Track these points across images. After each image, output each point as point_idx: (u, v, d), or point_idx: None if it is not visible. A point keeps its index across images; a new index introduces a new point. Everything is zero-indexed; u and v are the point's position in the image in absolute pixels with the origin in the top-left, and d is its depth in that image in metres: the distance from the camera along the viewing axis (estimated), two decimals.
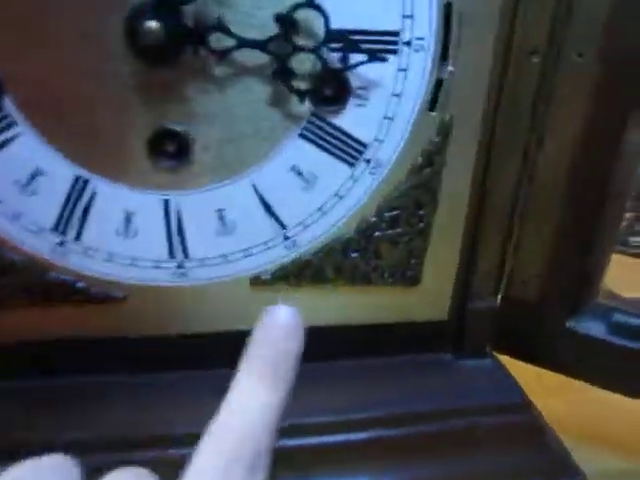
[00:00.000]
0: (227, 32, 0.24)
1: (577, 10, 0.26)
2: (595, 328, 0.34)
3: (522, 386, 0.36)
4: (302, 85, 0.26)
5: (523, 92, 0.28)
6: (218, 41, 0.25)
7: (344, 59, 0.25)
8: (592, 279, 0.33)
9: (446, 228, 0.31)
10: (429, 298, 0.33)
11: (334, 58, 0.26)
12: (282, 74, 0.25)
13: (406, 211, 0.30)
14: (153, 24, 0.23)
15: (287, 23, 0.24)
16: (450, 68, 0.26)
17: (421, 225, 0.30)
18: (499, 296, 0.33)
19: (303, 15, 0.25)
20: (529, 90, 0.28)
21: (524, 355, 0.35)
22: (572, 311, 0.33)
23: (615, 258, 0.63)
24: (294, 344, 0.18)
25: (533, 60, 0.27)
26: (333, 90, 0.27)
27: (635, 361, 0.33)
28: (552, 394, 0.36)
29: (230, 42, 0.24)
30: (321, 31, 0.25)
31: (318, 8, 0.24)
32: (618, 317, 0.34)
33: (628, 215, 0.69)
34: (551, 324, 0.34)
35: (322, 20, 0.25)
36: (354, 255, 0.31)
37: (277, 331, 0.18)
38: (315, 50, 0.25)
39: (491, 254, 0.32)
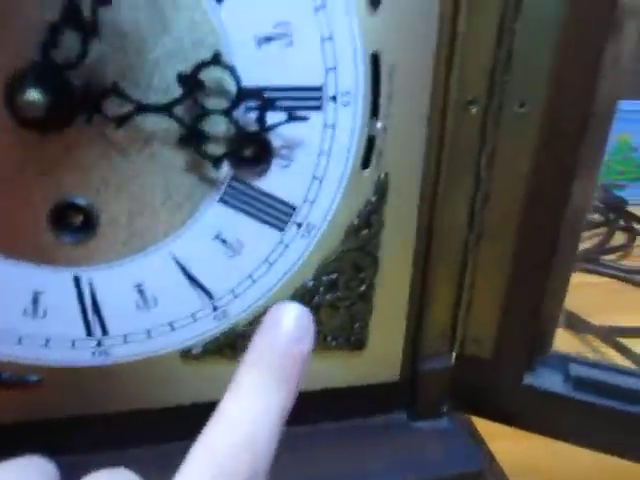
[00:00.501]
0: (124, 97, 0.21)
1: (518, 56, 0.24)
2: (553, 382, 0.32)
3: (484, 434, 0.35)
4: (217, 149, 0.23)
5: (464, 145, 0.25)
6: (116, 104, 0.22)
7: (261, 120, 0.23)
8: (547, 330, 0.31)
9: (390, 289, 0.28)
10: (378, 360, 0.31)
11: (250, 118, 0.23)
12: (191, 139, 0.23)
13: (345, 275, 0.27)
14: (33, 95, 0.20)
15: (192, 84, 0.22)
16: (379, 125, 0.24)
17: (362, 288, 0.28)
18: (453, 354, 0.31)
19: (212, 73, 0.22)
20: (470, 143, 0.25)
21: (482, 412, 0.33)
22: (529, 365, 0.31)
23: (587, 279, 0.62)
24: (303, 347, 0.16)
25: (472, 111, 0.25)
26: (253, 152, 0.24)
27: (595, 414, 0.31)
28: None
29: (130, 106, 0.22)
30: (232, 88, 0.22)
31: (226, 66, 0.22)
32: (576, 369, 0.32)
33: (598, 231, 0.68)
34: (508, 380, 0.32)
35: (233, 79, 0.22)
36: None
37: (284, 335, 0.16)
38: (227, 112, 0.22)
39: (441, 313, 0.29)
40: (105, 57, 0.21)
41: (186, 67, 0.22)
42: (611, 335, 0.51)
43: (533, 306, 0.29)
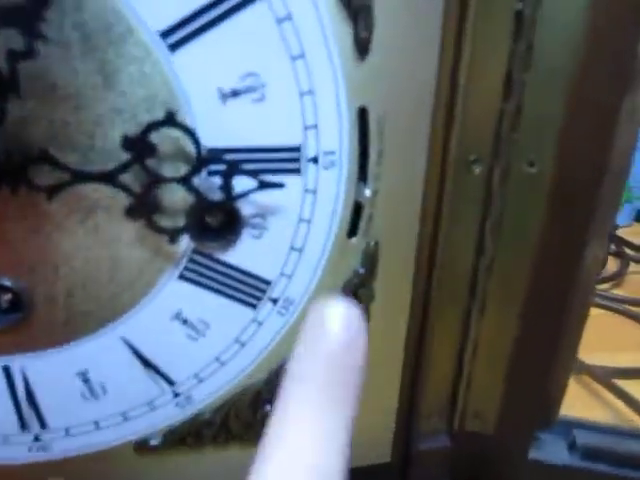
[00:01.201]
0: (56, 164, 0.17)
1: (527, 110, 0.21)
2: (559, 452, 0.29)
3: None
4: (173, 221, 0.19)
5: (466, 210, 0.22)
6: (48, 172, 0.18)
7: (227, 187, 0.19)
8: (554, 400, 0.28)
9: (381, 366, 0.25)
10: (367, 441, 0.27)
11: (214, 184, 0.19)
12: (141, 211, 0.19)
13: None
14: None
15: (141, 148, 0.18)
16: (367, 192, 0.20)
17: None
18: (451, 432, 0.27)
19: (166, 134, 0.18)
20: (472, 207, 0.22)
21: None
22: (533, 438, 0.28)
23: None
24: (355, 354, 0.13)
25: (475, 171, 0.21)
26: (218, 222, 0.20)
27: None
28: None
29: (64, 174, 0.18)
30: (192, 152, 0.19)
31: (183, 127, 0.18)
32: (582, 437, 0.29)
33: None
34: (512, 456, 0.28)
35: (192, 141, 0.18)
36: (267, 407, 0.24)
37: (332, 344, 0.12)
38: (185, 180, 0.19)
39: (439, 389, 0.26)
40: (31, 116, 0.17)
41: (134, 128, 0.18)
42: (608, 377, 0.48)
43: (540, 376, 0.26)
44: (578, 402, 0.44)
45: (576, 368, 0.49)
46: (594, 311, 0.57)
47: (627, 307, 0.58)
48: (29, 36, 0.15)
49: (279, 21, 0.18)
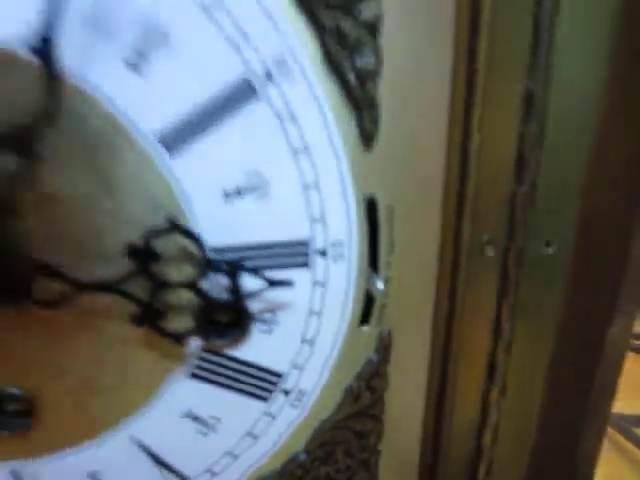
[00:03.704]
0: (61, 277, 0.17)
1: (542, 189, 0.20)
2: None
3: None
4: (179, 324, 0.19)
5: (480, 293, 0.21)
6: (51, 285, 0.18)
7: (234, 288, 0.18)
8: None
9: (397, 455, 0.24)
10: None
11: (221, 285, 0.19)
12: (146, 319, 0.18)
13: (345, 444, 0.23)
14: None
15: (145, 256, 0.17)
16: (380, 285, 0.20)
17: (365, 455, 0.23)
18: None
19: (170, 240, 0.18)
20: (487, 290, 0.21)
21: None
22: None
23: None
24: None
25: (489, 253, 0.21)
26: (226, 319, 0.20)
27: None
28: None
29: (67, 285, 0.18)
30: (197, 256, 0.18)
31: (187, 232, 0.18)
32: None
33: None
34: None
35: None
36: None
37: None
38: (191, 285, 0.18)
39: (457, 473, 0.25)
40: (31, 228, 0.17)
41: (136, 233, 0.18)
42: (625, 424, 0.46)
43: (566, 457, 0.25)
44: None
45: None
46: None
47: None
48: (26, 159, 0.15)
49: (280, 117, 0.17)
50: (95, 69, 0.15)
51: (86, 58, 0.15)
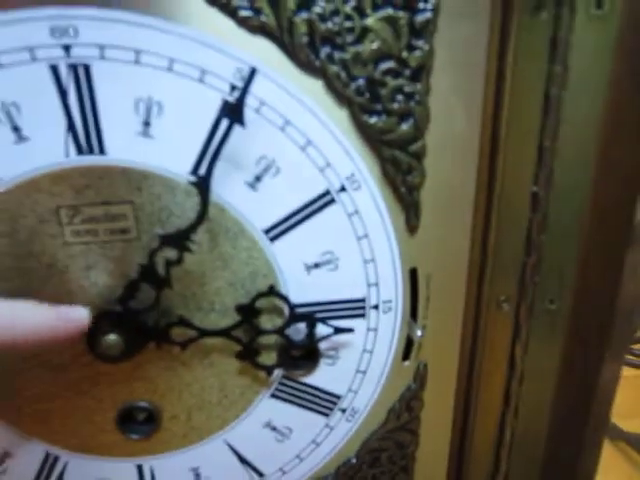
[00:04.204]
0: (190, 326, 0.24)
1: (546, 260, 0.26)
2: None
3: None
4: (269, 359, 0.25)
5: (497, 337, 0.27)
6: (182, 331, 0.24)
7: (310, 334, 0.25)
8: None
9: (430, 459, 0.30)
10: None
11: (300, 332, 0.25)
12: (246, 355, 0.25)
13: (387, 451, 0.29)
14: (113, 338, 0.22)
15: (249, 312, 0.24)
16: (419, 333, 0.26)
17: (404, 462, 0.29)
18: None
19: (266, 300, 0.24)
20: (503, 335, 0.27)
21: None
22: None
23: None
24: None
25: (504, 308, 0.26)
26: (302, 357, 0.26)
27: None
28: None
29: (194, 332, 0.24)
30: (285, 311, 0.25)
31: (280, 295, 0.24)
32: None
33: None
34: None
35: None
36: None
37: None
38: (279, 331, 0.24)
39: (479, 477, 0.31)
40: (173, 296, 0.24)
41: (243, 294, 0.24)
42: None
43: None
44: (614, 471, 0.46)
45: (613, 435, 0.50)
46: (630, 372, 0.59)
47: None
48: (180, 250, 0.22)
49: (349, 215, 0.24)
50: (226, 188, 0.22)
51: (222, 182, 0.21)
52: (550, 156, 0.24)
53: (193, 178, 0.21)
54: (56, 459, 0.27)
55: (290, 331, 0.25)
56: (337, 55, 0.21)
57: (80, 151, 0.21)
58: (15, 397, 0.24)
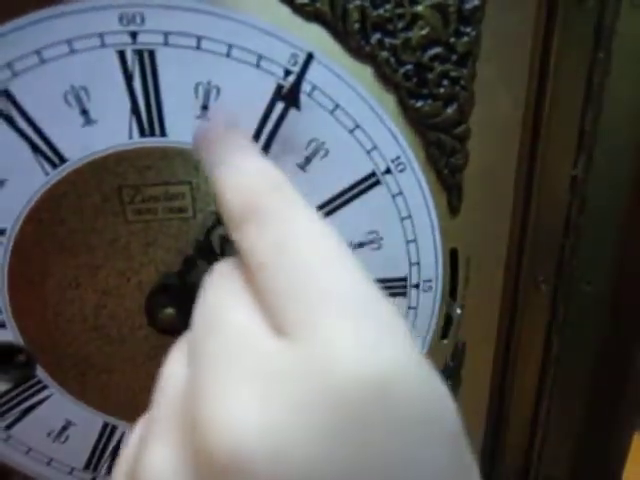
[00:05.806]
0: None
1: (585, 237, 0.26)
2: None
3: None
4: None
5: (534, 318, 0.28)
6: None
7: None
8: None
9: (466, 435, 0.31)
10: None
11: None
12: None
13: None
14: (170, 311, 0.24)
15: None
16: (458, 311, 0.27)
17: None
18: None
19: None
20: (540, 316, 0.28)
21: None
22: None
23: None
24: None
25: (542, 289, 0.27)
26: None
27: None
28: None
29: None
30: None
31: None
32: None
33: None
34: None
35: None
36: None
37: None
38: None
39: (514, 457, 0.31)
40: None
41: None
42: None
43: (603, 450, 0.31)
44: None
45: None
46: None
47: None
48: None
49: (394, 196, 0.25)
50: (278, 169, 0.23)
51: (274, 163, 0.23)
52: (591, 140, 0.25)
53: None
54: (114, 429, 0.28)
55: None
56: (387, 41, 0.22)
57: (142, 133, 0.22)
58: (82, 366, 0.26)
